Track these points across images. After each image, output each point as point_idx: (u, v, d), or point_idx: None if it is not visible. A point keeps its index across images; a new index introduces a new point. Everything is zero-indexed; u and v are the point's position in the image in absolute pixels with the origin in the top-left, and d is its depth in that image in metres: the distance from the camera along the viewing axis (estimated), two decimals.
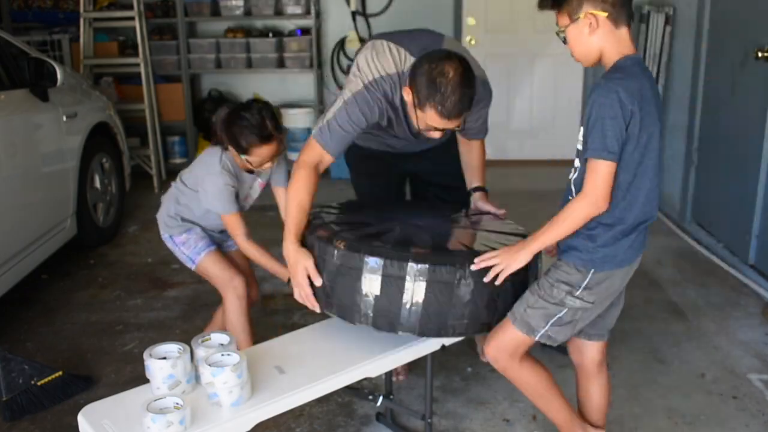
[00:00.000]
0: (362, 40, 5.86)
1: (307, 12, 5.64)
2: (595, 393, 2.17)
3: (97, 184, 4.15)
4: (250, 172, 2.51)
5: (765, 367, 2.82)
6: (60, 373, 2.64)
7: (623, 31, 1.78)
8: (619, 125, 1.72)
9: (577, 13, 1.77)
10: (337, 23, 5.91)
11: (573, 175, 1.92)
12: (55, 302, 3.50)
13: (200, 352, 1.90)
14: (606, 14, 1.75)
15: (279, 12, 5.68)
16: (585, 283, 1.90)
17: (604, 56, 1.80)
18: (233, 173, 2.45)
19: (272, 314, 3.33)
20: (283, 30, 5.90)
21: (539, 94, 6.06)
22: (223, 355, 1.86)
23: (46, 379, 2.59)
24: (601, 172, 1.76)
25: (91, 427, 1.75)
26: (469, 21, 5.95)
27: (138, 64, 5.37)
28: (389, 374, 2.46)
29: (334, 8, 5.88)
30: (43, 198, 3.52)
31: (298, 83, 5.96)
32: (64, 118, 3.71)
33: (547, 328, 1.95)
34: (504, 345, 1.99)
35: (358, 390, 2.50)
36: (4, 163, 3.13)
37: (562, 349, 2.89)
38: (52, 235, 3.55)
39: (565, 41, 1.85)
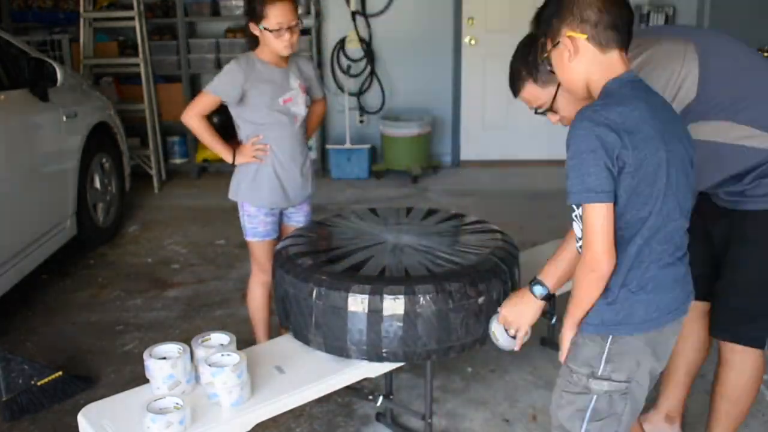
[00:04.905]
0: (362, 40, 5.86)
1: (307, 12, 5.64)
2: None
3: (97, 184, 4.15)
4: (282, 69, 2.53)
5: (765, 367, 2.81)
6: (60, 373, 2.64)
7: (613, 56, 1.50)
8: (602, 158, 1.41)
9: (557, 36, 1.52)
10: (337, 23, 5.91)
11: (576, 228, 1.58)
12: (55, 302, 3.50)
13: (200, 352, 1.90)
14: (585, 36, 1.48)
15: None
16: (604, 355, 1.55)
17: (591, 85, 1.53)
18: (251, 68, 2.47)
19: (272, 314, 3.33)
20: None
21: None
22: (223, 355, 1.86)
23: (46, 379, 2.59)
24: (593, 220, 1.45)
25: (91, 427, 1.75)
26: (469, 21, 5.95)
27: (138, 64, 5.37)
28: (389, 374, 2.46)
29: (334, 8, 5.88)
30: (43, 198, 3.52)
31: None
32: (64, 118, 3.71)
33: (584, 428, 1.60)
34: None
35: (358, 390, 2.50)
36: (4, 163, 3.12)
37: None
38: (52, 235, 3.55)
39: (551, 71, 1.61)
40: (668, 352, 1.63)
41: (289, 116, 2.56)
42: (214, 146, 2.53)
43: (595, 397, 1.58)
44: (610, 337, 1.54)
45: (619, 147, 1.41)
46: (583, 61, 1.50)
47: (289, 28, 2.42)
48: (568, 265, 1.78)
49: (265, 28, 2.42)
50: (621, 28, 1.49)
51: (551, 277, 1.84)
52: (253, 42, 2.52)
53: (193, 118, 2.50)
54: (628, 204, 1.46)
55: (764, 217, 1.92)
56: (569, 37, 1.49)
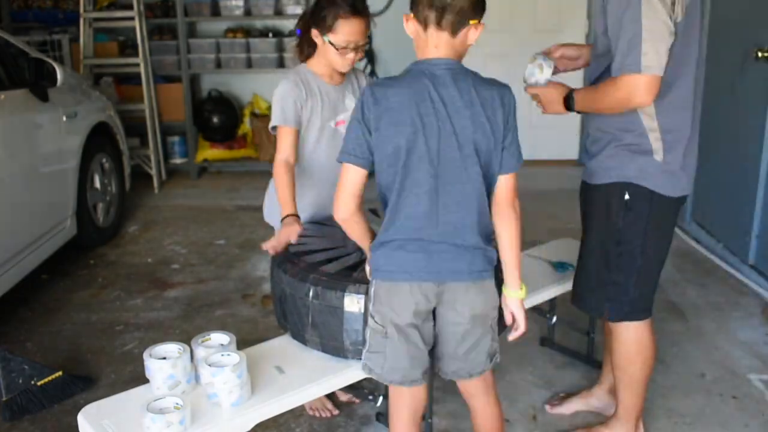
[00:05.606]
0: None
1: None
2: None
3: (97, 184, 4.15)
4: (338, 83, 2.32)
5: (765, 367, 2.82)
6: (60, 373, 2.64)
7: (431, 33, 1.69)
8: (359, 129, 1.70)
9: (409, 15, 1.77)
10: None
11: None
12: (55, 302, 3.50)
13: (200, 352, 1.90)
14: (413, 15, 1.72)
15: (279, 12, 5.68)
16: (372, 295, 1.78)
17: (417, 56, 1.75)
18: (306, 84, 2.23)
19: (272, 314, 3.33)
20: (283, 30, 5.90)
21: None
22: (223, 355, 1.86)
23: (46, 379, 2.59)
24: (343, 177, 1.76)
25: (91, 427, 1.75)
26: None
27: (138, 64, 5.37)
28: None
29: None
30: (43, 198, 3.52)
31: None
32: (64, 118, 3.71)
33: (364, 353, 1.83)
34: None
35: (358, 390, 2.50)
36: (4, 163, 3.12)
37: (563, 348, 2.90)
38: (52, 235, 3.55)
39: None
40: (405, 311, 1.71)
41: (339, 141, 2.34)
42: (285, 201, 2.17)
43: (369, 330, 1.79)
44: (374, 280, 1.76)
45: (372, 125, 1.67)
46: (413, 35, 1.74)
47: (356, 48, 2.21)
48: (597, 93, 1.99)
49: (330, 42, 2.17)
50: (440, 8, 1.66)
51: (581, 94, 2.06)
52: (309, 50, 2.28)
53: (279, 165, 2.18)
54: (380, 171, 1.72)
55: (599, 191, 2.09)
56: (409, 16, 1.73)
